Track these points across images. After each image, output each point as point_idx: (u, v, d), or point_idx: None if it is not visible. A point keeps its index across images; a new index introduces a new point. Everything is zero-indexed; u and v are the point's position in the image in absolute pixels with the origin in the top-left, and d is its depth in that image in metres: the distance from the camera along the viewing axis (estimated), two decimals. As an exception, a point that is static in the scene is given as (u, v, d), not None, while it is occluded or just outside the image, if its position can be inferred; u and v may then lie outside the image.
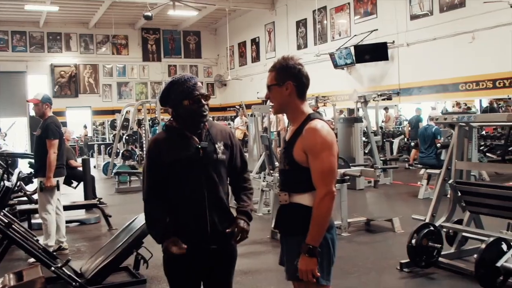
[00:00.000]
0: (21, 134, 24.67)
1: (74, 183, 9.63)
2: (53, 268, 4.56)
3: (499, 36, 12.86)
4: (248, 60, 25.27)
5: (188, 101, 2.74)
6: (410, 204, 9.07)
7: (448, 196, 5.56)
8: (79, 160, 10.47)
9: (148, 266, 5.05)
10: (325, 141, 2.59)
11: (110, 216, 7.99)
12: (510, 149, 12.50)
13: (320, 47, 19.23)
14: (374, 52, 16.60)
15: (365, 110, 12.26)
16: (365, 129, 11.89)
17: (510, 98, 14.33)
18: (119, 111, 18.18)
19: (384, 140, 14.36)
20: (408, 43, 15.82)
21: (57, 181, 6.15)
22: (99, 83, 26.13)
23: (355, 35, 17.60)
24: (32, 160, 8.07)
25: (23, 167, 10.50)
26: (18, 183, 7.84)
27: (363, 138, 11.60)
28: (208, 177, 2.75)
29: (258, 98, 16.78)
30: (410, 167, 13.68)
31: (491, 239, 4.46)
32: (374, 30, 16.92)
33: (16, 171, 8.24)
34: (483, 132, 13.90)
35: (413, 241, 5.05)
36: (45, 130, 6.09)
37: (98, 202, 8.51)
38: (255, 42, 24.52)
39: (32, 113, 7.87)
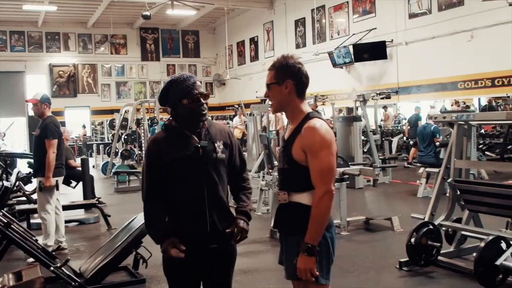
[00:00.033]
0: (20, 134, 24.65)
1: (73, 183, 9.62)
2: (52, 268, 4.56)
3: (497, 35, 12.87)
4: (246, 59, 25.28)
5: (187, 100, 2.73)
6: (409, 203, 9.08)
7: (447, 194, 5.57)
8: (78, 160, 10.45)
9: (147, 266, 5.05)
10: (324, 140, 2.59)
11: (109, 216, 7.99)
12: (509, 147, 12.51)
13: (318, 46, 19.23)
14: (373, 51, 16.61)
15: (364, 109, 12.26)
16: (364, 128, 11.89)
17: (508, 97, 14.34)
18: (117, 110, 18.19)
19: (383, 139, 14.37)
20: (407, 41, 15.83)
21: (56, 181, 6.14)
22: (97, 82, 26.14)
23: (354, 34, 17.62)
24: (31, 160, 8.07)
25: (22, 167, 10.49)
26: (17, 183, 7.84)
27: (362, 137, 11.61)
28: (208, 176, 2.75)
29: (257, 97, 16.77)
30: (410, 165, 13.69)
31: (490, 237, 4.46)
32: (373, 29, 16.93)
33: (15, 171, 8.24)
34: (482, 131, 13.91)
35: (412, 239, 5.05)
36: (44, 130, 6.08)
37: (97, 202, 8.50)
38: (253, 41, 24.52)
39: (31, 113, 7.85)
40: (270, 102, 2.84)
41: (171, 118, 2.84)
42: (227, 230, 2.79)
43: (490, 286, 4.33)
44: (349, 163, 8.53)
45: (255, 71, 23.22)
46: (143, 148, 14.11)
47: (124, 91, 26.67)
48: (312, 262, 2.56)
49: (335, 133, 10.38)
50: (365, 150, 12.28)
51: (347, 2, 18.37)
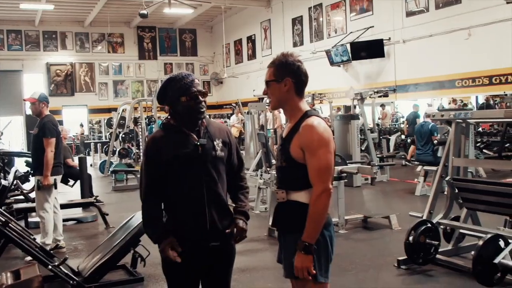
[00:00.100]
0: (17, 133, 24.59)
1: (71, 182, 9.61)
2: (50, 267, 4.56)
3: (495, 33, 12.87)
4: (244, 58, 25.25)
5: (185, 97, 2.73)
6: (407, 201, 9.09)
7: (445, 193, 5.56)
8: (76, 158, 10.44)
9: (145, 264, 5.05)
10: (322, 138, 2.59)
11: (107, 214, 7.98)
12: (506, 145, 12.53)
13: (316, 44, 19.22)
14: (370, 49, 16.59)
15: (361, 107, 12.25)
16: (361, 126, 11.90)
17: (506, 95, 14.36)
18: (115, 109, 18.14)
19: (381, 137, 14.35)
20: (404, 40, 15.82)
21: (55, 179, 6.14)
22: (95, 81, 26.09)
23: (351, 32, 17.60)
24: (29, 159, 8.05)
25: (20, 165, 10.47)
26: (14, 182, 7.82)
27: (360, 135, 11.61)
28: (207, 174, 2.75)
29: (254, 95, 16.79)
30: (408, 164, 13.70)
31: (489, 235, 4.46)
32: (370, 27, 16.92)
33: (13, 170, 8.22)
34: (480, 129, 13.93)
35: (411, 238, 5.05)
36: (42, 128, 6.07)
37: (95, 201, 8.50)
38: (251, 40, 24.49)
39: (29, 111, 7.85)
40: (268, 99, 2.84)
41: (169, 117, 2.83)
42: (226, 231, 2.79)
43: (488, 284, 4.33)
44: (347, 162, 8.54)
45: (252, 70, 23.20)
46: (141, 147, 14.11)
47: (122, 89, 26.63)
48: (309, 260, 2.56)
49: (332, 131, 10.40)
50: (363, 149, 12.28)
51: (344, 0, 18.37)
